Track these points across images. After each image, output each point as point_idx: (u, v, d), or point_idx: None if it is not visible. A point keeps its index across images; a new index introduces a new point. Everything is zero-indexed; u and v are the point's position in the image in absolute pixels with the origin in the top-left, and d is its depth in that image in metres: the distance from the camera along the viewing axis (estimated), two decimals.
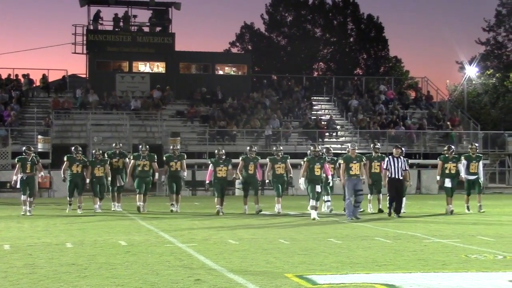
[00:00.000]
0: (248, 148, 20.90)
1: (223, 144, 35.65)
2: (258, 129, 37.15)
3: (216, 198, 20.26)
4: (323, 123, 39.22)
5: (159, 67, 42.14)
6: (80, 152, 20.99)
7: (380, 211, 20.22)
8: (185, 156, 21.84)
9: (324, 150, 20.29)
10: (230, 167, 20.35)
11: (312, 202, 18.08)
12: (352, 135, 38.60)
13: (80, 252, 12.01)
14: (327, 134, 38.38)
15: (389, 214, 18.89)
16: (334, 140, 37.84)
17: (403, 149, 19.58)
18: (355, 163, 18.57)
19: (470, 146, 21.38)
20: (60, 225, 17.08)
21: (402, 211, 19.29)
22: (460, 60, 60.91)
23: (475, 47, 75.06)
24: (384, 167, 19.04)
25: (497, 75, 57.52)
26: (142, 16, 64.70)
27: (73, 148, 21.30)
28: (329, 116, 40.57)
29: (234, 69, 44.00)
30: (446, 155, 20.47)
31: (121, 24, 41.41)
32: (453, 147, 21.27)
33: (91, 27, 40.82)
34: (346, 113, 41.42)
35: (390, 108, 41.94)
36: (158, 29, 42.33)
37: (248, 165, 20.23)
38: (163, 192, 29.57)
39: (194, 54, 43.33)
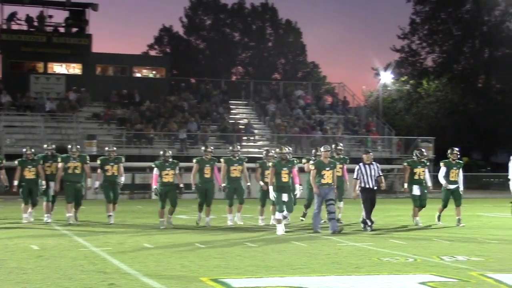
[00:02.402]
0: (203, 148, 18.13)
1: (140, 147, 35.37)
2: (176, 132, 36.96)
3: (160, 209, 17.33)
4: (240, 127, 39.34)
5: (75, 69, 41.56)
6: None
7: (338, 221, 17.44)
8: (123, 159, 18.78)
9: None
10: (177, 171, 17.53)
11: (278, 215, 15.83)
12: (270, 140, 38.84)
13: None
14: (244, 138, 38.52)
15: (370, 226, 16.48)
16: (252, 144, 37.98)
17: (371, 153, 17.34)
18: (328, 170, 15.96)
19: (450, 151, 18.40)
20: None
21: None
22: (375, 67, 62.20)
23: (390, 54, 76.89)
24: (355, 176, 16.54)
25: (411, 82, 58.89)
26: (58, 16, 63.75)
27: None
28: (247, 120, 40.73)
29: (152, 71, 43.75)
30: (415, 159, 18.21)
31: (36, 24, 40.65)
32: (424, 150, 18.84)
33: (5, 27, 39.95)
34: (264, 118, 41.66)
35: (307, 113, 42.42)
36: (74, 30, 41.75)
37: (203, 169, 17.57)
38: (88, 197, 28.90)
39: (111, 56, 42.91)
